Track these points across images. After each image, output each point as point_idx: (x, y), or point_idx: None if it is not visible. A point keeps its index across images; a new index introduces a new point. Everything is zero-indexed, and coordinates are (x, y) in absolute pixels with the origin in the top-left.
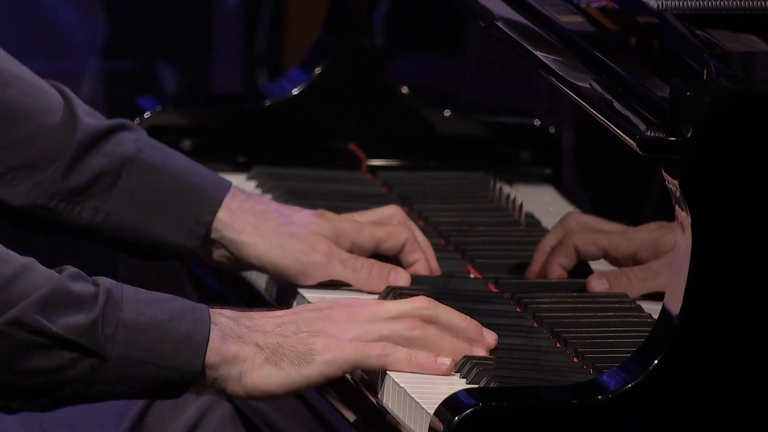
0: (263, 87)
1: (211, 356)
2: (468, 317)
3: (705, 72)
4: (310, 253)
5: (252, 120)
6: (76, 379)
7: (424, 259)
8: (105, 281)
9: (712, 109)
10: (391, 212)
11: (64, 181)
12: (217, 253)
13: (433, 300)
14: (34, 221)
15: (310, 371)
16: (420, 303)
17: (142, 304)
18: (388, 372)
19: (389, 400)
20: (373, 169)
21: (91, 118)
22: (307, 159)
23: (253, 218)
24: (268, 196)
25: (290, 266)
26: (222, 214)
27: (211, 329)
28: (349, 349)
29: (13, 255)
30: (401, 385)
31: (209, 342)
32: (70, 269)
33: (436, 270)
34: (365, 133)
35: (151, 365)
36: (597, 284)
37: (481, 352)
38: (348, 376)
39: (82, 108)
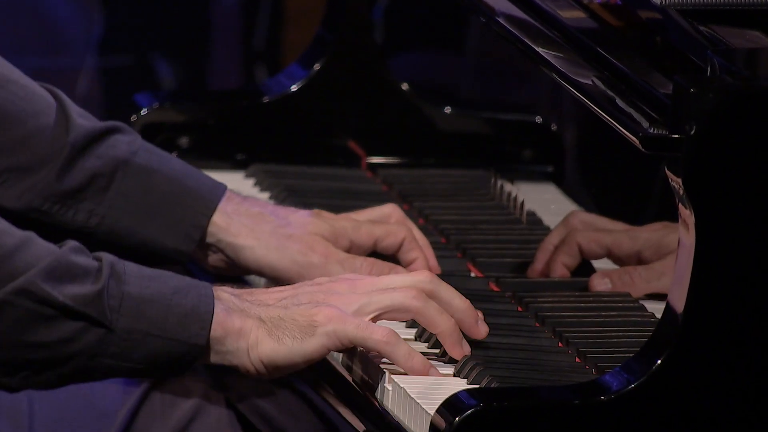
0: (261, 83)
1: (216, 329)
2: (468, 301)
3: (709, 68)
4: (307, 254)
5: (250, 117)
6: (81, 352)
7: (422, 257)
8: (107, 256)
9: (715, 106)
10: (389, 210)
11: (57, 183)
12: (214, 258)
13: (435, 275)
14: (28, 224)
15: (311, 344)
16: (423, 276)
17: (146, 279)
18: (388, 372)
19: (389, 400)
20: (373, 167)
21: (84, 120)
22: (306, 156)
23: (249, 221)
24: (267, 194)
25: (288, 268)
26: (218, 218)
27: (215, 304)
28: (351, 325)
29: (14, 228)
30: (401, 385)
31: (214, 315)
32: (72, 242)
33: (436, 268)
34: (365, 130)
35: (156, 338)
36: (600, 283)
37: (476, 334)
38: (348, 377)
39: (75, 110)
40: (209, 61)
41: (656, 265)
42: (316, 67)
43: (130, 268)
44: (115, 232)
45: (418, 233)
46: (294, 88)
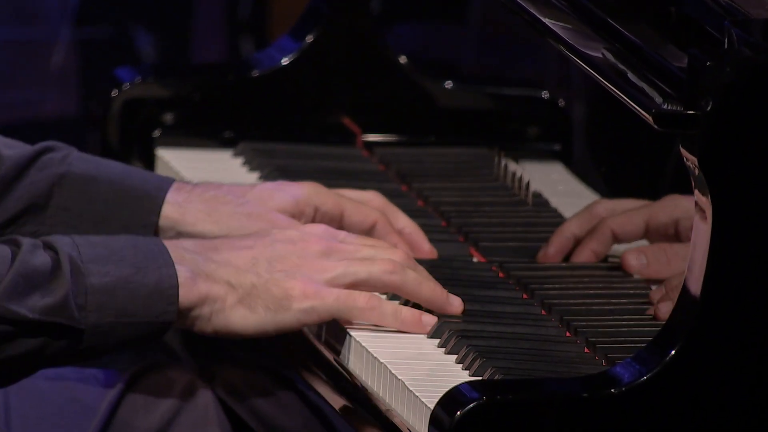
0: (250, 56)
1: (182, 302)
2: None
3: (726, 40)
4: None
5: (239, 92)
6: (52, 356)
7: (401, 243)
8: (61, 245)
9: (733, 81)
10: (370, 196)
11: None
12: None
13: (410, 256)
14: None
15: (286, 318)
16: (398, 254)
17: (102, 261)
18: (384, 362)
19: (386, 393)
20: (369, 145)
21: (11, 149)
22: (297, 134)
23: (204, 206)
24: (256, 174)
25: None
26: (169, 210)
27: (178, 271)
28: (330, 299)
29: None
30: (399, 377)
31: (179, 288)
32: (24, 242)
33: (431, 253)
34: (360, 106)
35: (125, 325)
36: (635, 259)
37: (451, 310)
38: (342, 369)
39: (1, 141)
40: (191, 32)
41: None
42: (309, 39)
43: (85, 251)
44: None
45: (403, 219)
46: (285, 61)
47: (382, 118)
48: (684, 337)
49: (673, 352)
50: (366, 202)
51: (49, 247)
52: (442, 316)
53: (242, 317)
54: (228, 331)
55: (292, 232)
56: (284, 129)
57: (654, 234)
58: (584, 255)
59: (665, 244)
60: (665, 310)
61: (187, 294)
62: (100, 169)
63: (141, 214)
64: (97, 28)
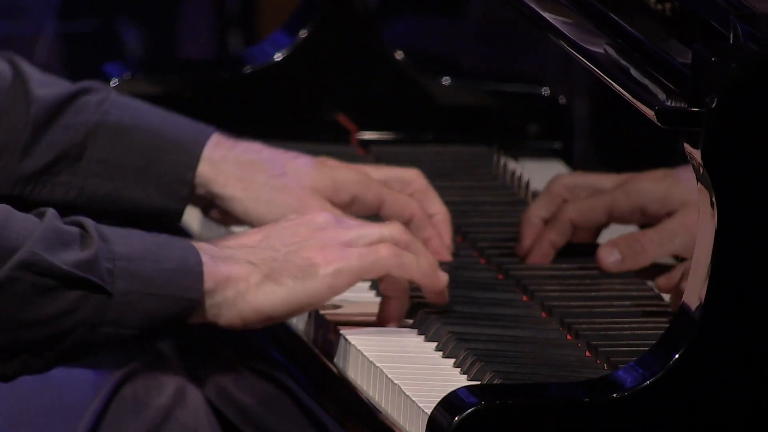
0: (243, 51)
1: (208, 281)
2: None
3: (731, 35)
4: (299, 211)
5: (231, 88)
6: (82, 322)
7: (436, 236)
8: (83, 218)
9: (738, 77)
10: (411, 176)
11: (22, 166)
12: (211, 211)
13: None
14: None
15: (315, 285)
16: (397, 228)
17: (126, 237)
18: (380, 366)
19: (382, 397)
20: (365, 143)
21: (46, 89)
22: (291, 131)
23: (238, 170)
24: None
25: None
26: (204, 168)
27: (200, 254)
28: (353, 258)
29: None
30: (395, 381)
31: (203, 266)
32: (50, 210)
33: (448, 249)
34: (356, 103)
35: (152, 297)
36: (608, 255)
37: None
38: (336, 372)
39: (36, 79)
40: (178, 26)
41: (666, 224)
42: (303, 33)
43: (108, 228)
44: (96, 200)
45: (437, 206)
46: (278, 56)
47: (378, 115)
48: (688, 341)
49: (677, 355)
50: (407, 184)
51: (70, 222)
52: (440, 319)
53: (271, 293)
54: (258, 313)
55: (293, 215)
56: (277, 126)
57: (618, 221)
58: (543, 247)
59: (638, 233)
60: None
61: (211, 273)
62: (137, 118)
63: (177, 169)
64: (81, 22)
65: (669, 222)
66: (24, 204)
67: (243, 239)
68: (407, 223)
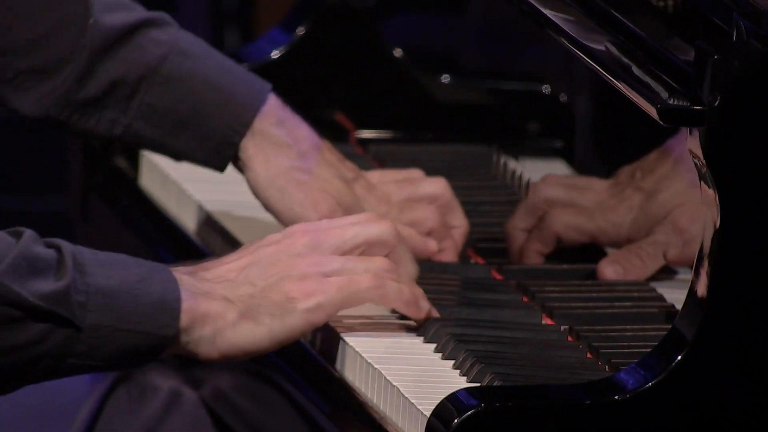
0: (239, 49)
1: (184, 318)
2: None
3: (734, 33)
4: (307, 208)
5: None
6: (48, 354)
7: (452, 248)
8: (63, 244)
9: (742, 74)
10: (438, 191)
11: (76, 90)
12: (238, 167)
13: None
14: (50, 127)
15: (294, 321)
16: (386, 227)
17: (107, 267)
18: (378, 368)
19: (380, 399)
20: (363, 142)
21: (109, 15)
22: None
23: (271, 149)
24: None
25: (282, 213)
26: (246, 139)
27: (180, 289)
28: (333, 290)
29: None
30: (394, 383)
31: (182, 303)
32: (27, 231)
33: (454, 259)
34: (354, 102)
35: (125, 332)
36: (611, 271)
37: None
38: (334, 374)
39: (100, 2)
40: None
41: (658, 236)
42: (300, 31)
43: (87, 256)
44: (140, 142)
45: (458, 218)
46: (275, 54)
47: (376, 114)
48: (691, 342)
49: (679, 357)
50: (433, 198)
51: (50, 245)
52: (439, 320)
53: (248, 331)
54: (237, 350)
55: (275, 236)
56: None
57: (603, 245)
58: (531, 258)
59: (635, 248)
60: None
61: (188, 311)
62: (196, 68)
63: (225, 130)
64: None
65: (660, 233)
66: (73, 131)
67: (222, 270)
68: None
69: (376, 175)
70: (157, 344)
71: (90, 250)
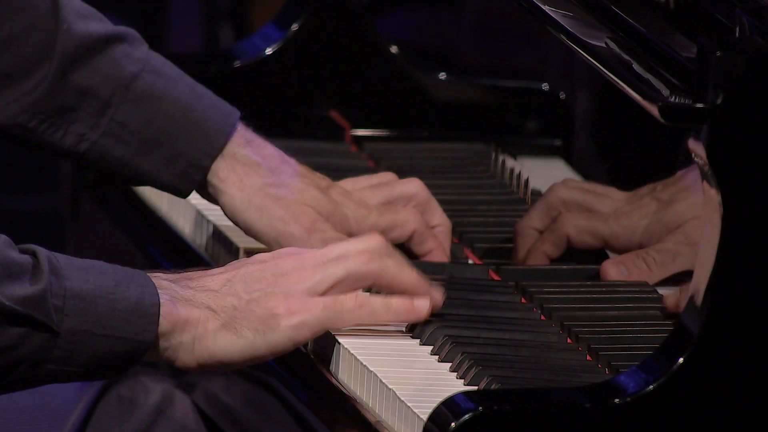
0: (232, 45)
1: (163, 323)
2: (416, 274)
3: (737, 29)
4: (289, 223)
5: (219, 83)
6: (25, 359)
7: (439, 248)
8: (39, 249)
9: (744, 71)
10: (413, 190)
11: (45, 97)
12: (207, 194)
13: (386, 242)
14: (14, 139)
15: (276, 338)
16: (375, 242)
17: (83, 272)
18: (374, 371)
19: (376, 403)
20: (358, 140)
21: (83, 22)
22: (282, 128)
23: (241, 169)
24: None
25: (264, 232)
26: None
27: (159, 294)
28: (317, 310)
29: None
30: (390, 387)
31: (160, 307)
32: (1, 237)
33: (447, 259)
34: (349, 99)
35: (102, 338)
36: (615, 272)
37: (434, 298)
38: (329, 377)
39: (72, 8)
40: (167, 20)
41: (668, 244)
42: (294, 27)
43: (63, 261)
44: (106, 159)
45: (438, 217)
46: (269, 51)
47: (372, 112)
48: (692, 344)
49: (680, 359)
50: (409, 198)
51: (24, 251)
52: (435, 322)
53: (228, 343)
54: (214, 361)
55: (263, 255)
56: (267, 123)
57: (614, 250)
58: (537, 259)
59: (642, 252)
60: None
61: (167, 316)
62: (168, 89)
63: (195, 152)
64: None
65: (670, 241)
66: (37, 146)
67: (207, 280)
68: (410, 238)
69: (348, 183)
70: (135, 350)
71: (65, 255)
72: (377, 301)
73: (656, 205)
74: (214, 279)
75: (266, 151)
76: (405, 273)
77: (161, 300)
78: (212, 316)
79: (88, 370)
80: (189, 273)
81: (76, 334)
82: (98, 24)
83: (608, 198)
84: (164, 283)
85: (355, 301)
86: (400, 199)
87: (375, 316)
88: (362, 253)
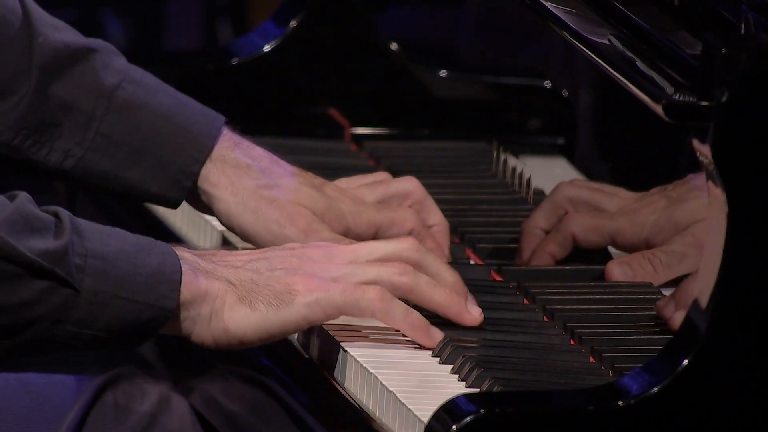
0: (229, 43)
1: (184, 292)
2: (457, 274)
3: (743, 26)
4: (285, 225)
5: (216, 81)
6: (44, 317)
7: (438, 248)
8: (59, 209)
9: (750, 69)
10: (409, 187)
11: (29, 112)
12: (200, 204)
13: (419, 244)
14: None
15: (289, 313)
16: (407, 244)
17: (105, 235)
18: (374, 372)
19: (376, 405)
20: (358, 139)
21: (58, 33)
22: (280, 126)
23: (232, 172)
24: None
25: (260, 235)
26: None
27: (181, 263)
28: (336, 291)
29: None
30: (390, 388)
31: (182, 276)
32: (23, 193)
33: (447, 259)
34: (348, 97)
35: (123, 301)
36: (619, 272)
37: (467, 319)
38: (328, 378)
39: (45, 20)
40: (165, 17)
41: (675, 245)
42: (293, 24)
43: (85, 223)
44: (93, 174)
45: (435, 216)
46: (267, 48)
47: (371, 110)
48: (697, 345)
49: (685, 361)
50: (405, 196)
51: (45, 210)
52: (437, 323)
53: (243, 317)
54: (229, 336)
55: (293, 244)
56: (266, 121)
57: (621, 249)
58: (542, 259)
59: (648, 253)
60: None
61: (188, 286)
62: (150, 97)
63: (183, 159)
64: (61, 12)
65: (677, 243)
66: (22, 166)
67: (230, 257)
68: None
69: (342, 182)
70: (155, 317)
71: (86, 220)
72: (398, 306)
73: (665, 202)
74: (237, 257)
75: (255, 152)
76: (437, 293)
77: (183, 269)
78: (231, 289)
79: (106, 337)
80: (216, 251)
81: (97, 294)
82: (73, 35)
83: (616, 197)
84: (186, 255)
85: (376, 294)
86: (396, 196)
87: (390, 317)
88: (395, 264)
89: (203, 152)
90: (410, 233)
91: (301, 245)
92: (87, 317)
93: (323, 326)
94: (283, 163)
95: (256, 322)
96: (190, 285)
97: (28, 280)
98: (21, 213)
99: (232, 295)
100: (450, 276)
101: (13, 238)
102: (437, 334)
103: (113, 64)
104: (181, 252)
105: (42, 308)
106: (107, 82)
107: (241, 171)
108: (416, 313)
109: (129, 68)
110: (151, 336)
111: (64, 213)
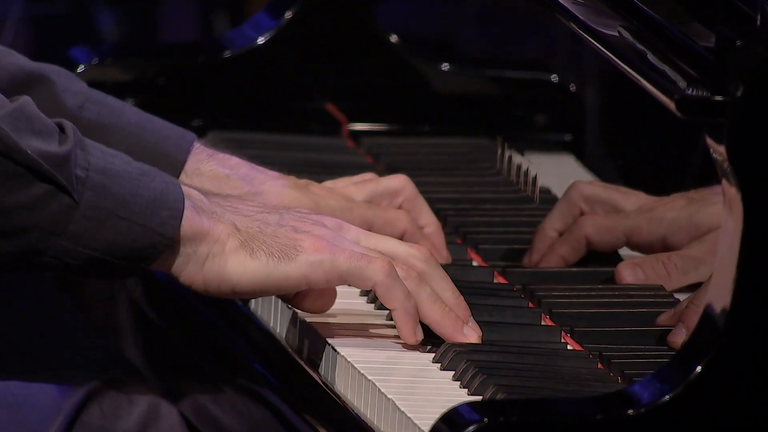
0: (222, 35)
1: (185, 226)
2: (460, 296)
3: (758, 17)
4: None
5: (209, 75)
6: (40, 225)
7: (433, 250)
8: (65, 121)
9: (766, 62)
10: (399, 185)
11: None
12: None
13: (432, 255)
14: None
15: (290, 268)
16: (420, 252)
17: (109, 154)
18: (372, 379)
19: (374, 413)
20: (356, 135)
21: (10, 57)
22: (275, 122)
23: (210, 184)
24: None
25: None
26: (181, 178)
27: (184, 198)
28: (342, 256)
29: None
30: (389, 396)
31: (185, 207)
32: (26, 97)
33: (447, 260)
34: (346, 92)
35: (122, 220)
36: (630, 274)
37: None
38: (324, 386)
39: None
40: (159, 8)
41: (693, 250)
42: (288, 15)
43: (89, 140)
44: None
45: (427, 216)
46: (261, 40)
47: (370, 105)
48: (711, 352)
49: (698, 368)
50: (395, 193)
51: (53, 121)
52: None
53: (241, 263)
54: (221, 280)
55: (305, 209)
56: (260, 116)
57: (637, 249)
58: (552, 261)
59: (662, 255)
60: (679, 339)
61: (189, 221)
62: (114, 117)
63: None
64: (51, 4)
65: (695, 248)
66: None
67: (240, 205)
68: (399, 238)
69: (329, 183)
70: (154, 243)
71: (94, 141)
72: (401, 286)
73: (685, 201)
74: (248, 206)
75: (232, 161)
76: (434, 310)
77: (186, 204)
78: (234, 234)
79: (101, 258)
80: (227, 196)
81: (96, 210)
82: (25, 59)
83: (634, 196)
84: (193, 193)
85: (384, 266)
86: (385, 194)
87: (390, 295)
88: (405, 266)
89: (176, 167)
90: (403, 234)
91: (315, 212)
92: (83, 233)
93: (317, 329)
94: (262, 169)
95: (253, 270)
96: (191, 220)
97: (27, 181)
98: (23, 111)
99: (234, 240)
100: (453, 297)
101: (15, 134)
102: (420, 334)
103: (72, 87)
104: (187, 189)
105: (38, 216)
106: (69, 104)
107: (220, 182)
108: (414, 303)
109: (90, 90)
110: (146, 266)
111: (68, 124)
